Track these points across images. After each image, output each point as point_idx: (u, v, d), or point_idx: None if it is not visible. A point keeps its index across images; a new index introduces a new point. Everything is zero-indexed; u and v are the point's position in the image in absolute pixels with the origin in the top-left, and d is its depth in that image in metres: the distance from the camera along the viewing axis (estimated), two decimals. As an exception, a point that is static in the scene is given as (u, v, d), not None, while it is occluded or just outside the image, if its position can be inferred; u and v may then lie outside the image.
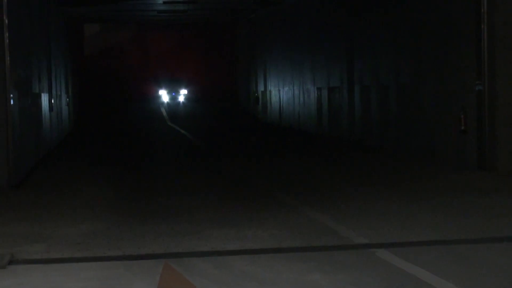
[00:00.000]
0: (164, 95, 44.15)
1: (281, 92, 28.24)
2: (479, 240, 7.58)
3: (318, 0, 23.21)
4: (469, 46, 13.20)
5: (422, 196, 10.42)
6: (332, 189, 11.54)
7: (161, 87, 44.40)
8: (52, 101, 19.46)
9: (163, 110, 39.90)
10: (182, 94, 44.52)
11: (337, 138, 20.86)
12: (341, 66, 20.76)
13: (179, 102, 43.94)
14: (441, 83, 14.44)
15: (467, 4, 13.26)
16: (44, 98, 17.70)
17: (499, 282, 6.04)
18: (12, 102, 12.14)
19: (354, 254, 7.09)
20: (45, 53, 18.47)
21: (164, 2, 27.87)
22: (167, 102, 43.48)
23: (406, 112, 16.29)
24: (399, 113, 16.68)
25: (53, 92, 20.04)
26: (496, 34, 12.55)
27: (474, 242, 7.51)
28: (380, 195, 10.62)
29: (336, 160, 16.05)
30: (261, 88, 32.17)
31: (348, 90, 20.13)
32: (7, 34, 11.94)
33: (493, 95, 12.65)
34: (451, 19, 13.95)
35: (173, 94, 44.23)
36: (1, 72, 11.88)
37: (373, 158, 16.02)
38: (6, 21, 11.94)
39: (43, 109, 17.30)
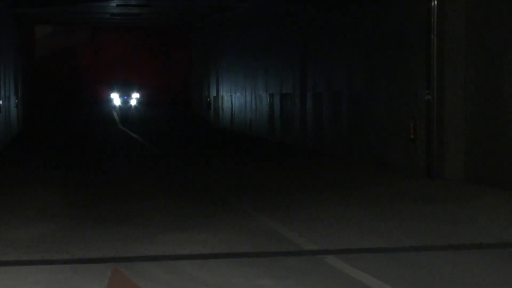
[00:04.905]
0: (116, 99, 43.79)
1: (233, 98, 28.25)
2: (427, 248, 7.68)
3: (272, 7, 23.30)
4: (419, 56, 13.38)
5: (372, 204, 10.53)
6: (284, 195, 11.58)
7: (113, 91, 44.05)
8: (0, 102, 19.18)
9: (114, 113, 39.61)
10: (134, 98, 44.22)
11: (290, 144, 20.94)
12: (294, 73, 20.86)
13: (131, 105, 43.63)
14: (392, 92, 14.61)
15: (418, 14, 13.45)
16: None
17: (445, 289, 6.15)
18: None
19: (304, 260, 7.13)
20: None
21: (117, 5, 27.67)
22: (119, 106, 43.17)
23: (358, 119, 16.44)
24: (351, 120, 16.82)
25: (1, 93, 19.76)
26: (445, 45, 12.74)
27: (422, 249, 7.60)
28: (331, 202, 10.70)
29: (288, 167, 16.10)
30: (213, 93, 32.15)
31: (301, 97, 20.24)
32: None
33: (442, 104, 12.84)
34: (403, 28, 14.13)
35: (125, 97, 43.89)
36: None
37: (325, 165, 16.12)
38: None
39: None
